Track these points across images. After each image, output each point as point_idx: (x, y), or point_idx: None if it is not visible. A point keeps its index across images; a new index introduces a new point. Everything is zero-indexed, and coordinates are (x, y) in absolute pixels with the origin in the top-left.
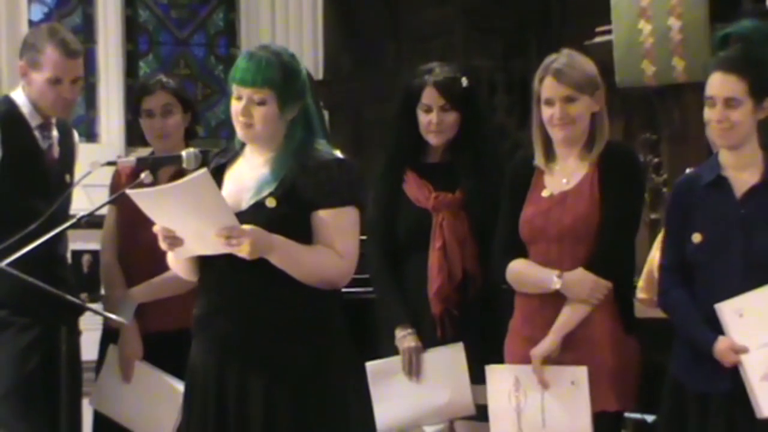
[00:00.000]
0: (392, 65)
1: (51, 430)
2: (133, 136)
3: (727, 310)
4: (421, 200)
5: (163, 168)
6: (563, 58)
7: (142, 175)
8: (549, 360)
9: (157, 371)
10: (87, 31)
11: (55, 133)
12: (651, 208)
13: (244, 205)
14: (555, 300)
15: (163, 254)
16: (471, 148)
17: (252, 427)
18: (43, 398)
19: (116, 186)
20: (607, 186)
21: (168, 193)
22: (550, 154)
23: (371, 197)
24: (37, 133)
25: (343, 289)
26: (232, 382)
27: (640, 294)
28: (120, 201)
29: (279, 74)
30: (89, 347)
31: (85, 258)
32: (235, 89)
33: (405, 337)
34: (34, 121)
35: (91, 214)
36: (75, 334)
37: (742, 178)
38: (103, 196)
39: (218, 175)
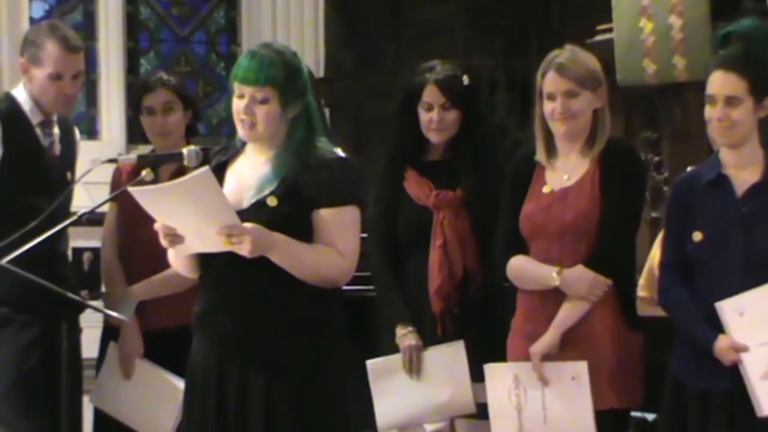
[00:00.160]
0: (393, 63)
1: (51, 428)
2: (134, 134)
3: (727, 308)
4: (421, 198)
5: (164, 165)
6: (566, 53)
7: (143, 173)
8: (549, 357)
9: (157, 369)
10: (88, 28)
11: (56, 130)
12: (652, 207)
13: (246, 203)
14: (556, 297)
15: (164, 252)
16: (472, 147)
17: (252, 424)
18: (44, 396)
19: (117, 183)
20: (608, 183)
21: (170, 190)
22: (551, 150)
23: (372, 195)
24: (38, 131)
25: (344, 287)
26: (233, 379)
27: (641, 292)
28: (121, 198)
29: (282, 73)
30: (90, 345)
31: (86, 255)
32: (238, 88)
33: (405, 335)
34: (35, 119)
35: (92, 212)
36: (76, 331)
37: (743, 177)
38: (104, 193)
39: (219, 173)
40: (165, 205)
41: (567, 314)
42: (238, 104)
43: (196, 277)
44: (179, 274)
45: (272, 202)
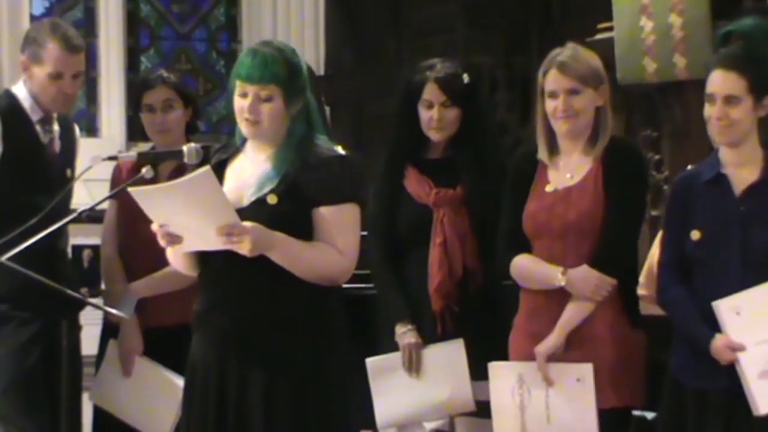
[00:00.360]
0: (393, 61)
1: (51, 425)
2: (134, 131)
3: (724, 307)
4: (421, 196)
5: (164, 163)
6: (568, 51)
7: (143, 170)
8: (553, 357)
9: (157, 366)
10: (88, 25)
11: (56, 127)
12: (652, 206)
13: (246, 201)
14: (560, 296)
15: (164, 249)
16: (472, 145)
17: (252, 422)
18: (44, 393)
19: (117, 181)
20: (611, 182)
21: (170, 190)
22: (553, 148)
23: (372, 193)
24: (38, 128)
25: (344, 285)
26: (233, 377)
27: (641, 291)
28: (121, 196)
29: (284, 70)
30: (89, 342)
31: (86, 253)
32: (240, 86)
33: (405, 333)
34: (35, 116)
35: (91, 209)
36: (75, 328)
37: (742, 176)
38: (104, 190)
39: (219, 171)
40: (164, 205)
41: (572, 314)
42: (241, 103)
43: (195, 275)
44: (179, 271)
45: (272, 199)
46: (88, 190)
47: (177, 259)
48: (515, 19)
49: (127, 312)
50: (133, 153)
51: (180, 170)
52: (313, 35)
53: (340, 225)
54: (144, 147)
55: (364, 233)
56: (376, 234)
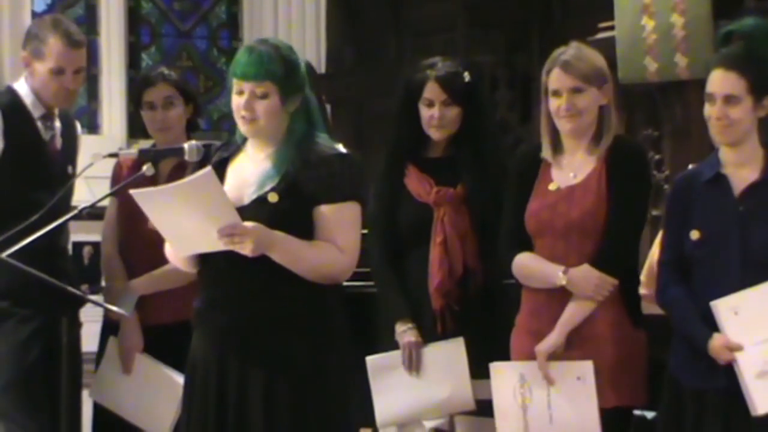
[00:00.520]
0: (394, 60)
1: (51, 422)
2: (135, 128)
3: (722, 307)
4: (422, 195)
5: (164, 160)
6: (572, 50)
7: (144, 168)
8: (554, 356)
9: (157, 364)
10: (90, 22)
11: (57, 124)
12: (652, 205)
13: (246, 200)
14: (561, 295)
15: (163, 246)
16: (472, 143)
17: (252, 420)
18: (44, 390)
19: (117, 178)
20: (615, 181)
21: (172, 192)
22: (557, 147)
23: (373, 192)
24: (39, 124)
25: (345, 283)
26: (233, 375)
27: (642, 290)
28: (121, 193)
29: (280, 67)
30: (90, 339)
31: (86, 249)
32: (236, 84)
33: (405, 332)
34: (36, 112)
35: (92, 206)
36: (76, 325)
37: (742, 176)
38: (105, 187)
39: (221, 169)
40: (166, 206)
41: (572, 314)
42: (237, 100)
43: (194, 272)
44: (179, 269)
45: (273, 198)
46: (89, 187)
47: (177, 256)
48: (516, 18)
49: (127, 309)
50: (134, 150)
51: (181, 168)
52: (314, 33)
53: (341, 223)
54: (145, 144)
55: (365, 231)
56: (377, 232)
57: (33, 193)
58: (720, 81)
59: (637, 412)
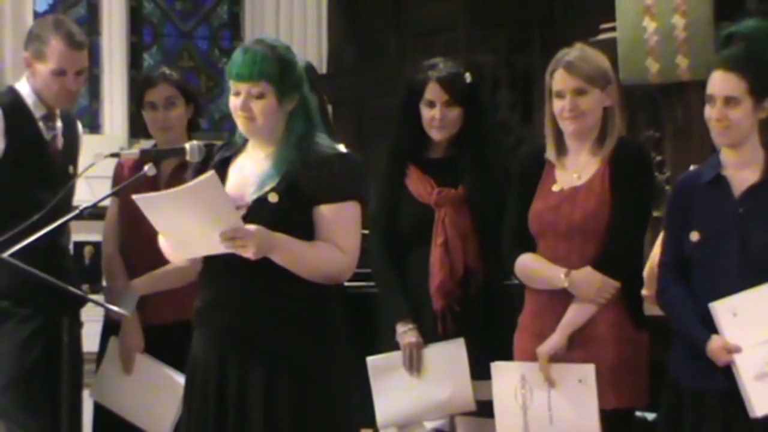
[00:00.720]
0: (395, 60)
1: (51, 422)
2: (137, 128)
3: (720, 309)
4: (423, 195)
5: (166, 160)
6: (575, 51)
7: (146, 168)
8: (556, 358)
9: (157, 363)
10: (91, 22)
11: (59, 124)
12: (654, 206)
13: (247, 199)
14: (564, 296)
15: None
16: (474, 144)
17: (252, 419)
18: (44, 390)
19: (119, 178)
20: (618, 183)
21: (174, 197)
22: (561, 148)
23: (374, 192)
24: (41, 124)
25: (345, 284)
26: (233, 375)
27: (643, 291)
28: (122, 193)
29: (275, 67)
30: (90, 339)
31: (87, 249)
32: (233, 85)
33: (406, 333)
34: (38, 112)
35: (93, 206)
36: (76, 325)
37: (742, 177)
38: (106, 187)
39: (222, 169)
40: (168, 211)
41: (574, 316)
42: (235, 101)
43: (197, 265)
44: (180, 268)
45: (273, 198)
46: (90, 186)
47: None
48: (517, 18)
49: (128, 309)
50: (135, 150)
51: (182, 168)
52: (315, 33)
53: (341, 223)
54: (146, 144)
55: (366, 232)
56: (378, 233)
57: (34, 192)
58: (720, 82)
59: (637, 413)
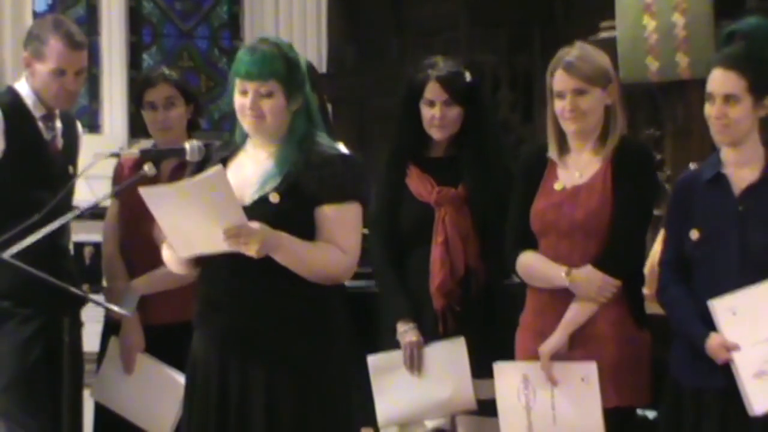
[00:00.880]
0: (396, 59)
1: (52, 422)
2: (136, 128)
3: (719, 307)
4: (423, 195)
5: (166, 160)
6: (575, 51)
7: (146, 168)
8: (557, 356)
9: (158, 363)
10: (91, 22)
11: (58, 124)
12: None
13: (248, 199)
14: (566, 294)
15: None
16: (474, 143)
17: (254, 420)
18: (45, 390)
19: (118, 178)
20: (620, 183)
21: (181, 190)
22: (564, 147)
23: (374, 192)
24: (40, 124)
25: (346, 283)
26: (234, 375)
27: (644, 289)
28: (122, 193)
29: (283, 65)
30: (91, 339)
31: (87, 249)
32: (240, 84)
33: (406, 332)
34: (37, 112)
35: (94, 206)
36: (77, 325)
37: (742, 175)
38: (106, 187)
39: None
40: (173, 205)
41: (575, 314)
42: (242, 101)
43: (191, 275)
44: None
45: (274, 198)
46: (90, 187)
47: (172, 258)
48: (518, 17)
49: (128, 309)
50: (135, 150)
51: (182, 168)
52: (315, 33)
53: (343, 224)
54: (146, 144)
55: (366, 232)
56: (378, 232)
57: (34, 193)
58: (720, 80)
59: (639, 411)
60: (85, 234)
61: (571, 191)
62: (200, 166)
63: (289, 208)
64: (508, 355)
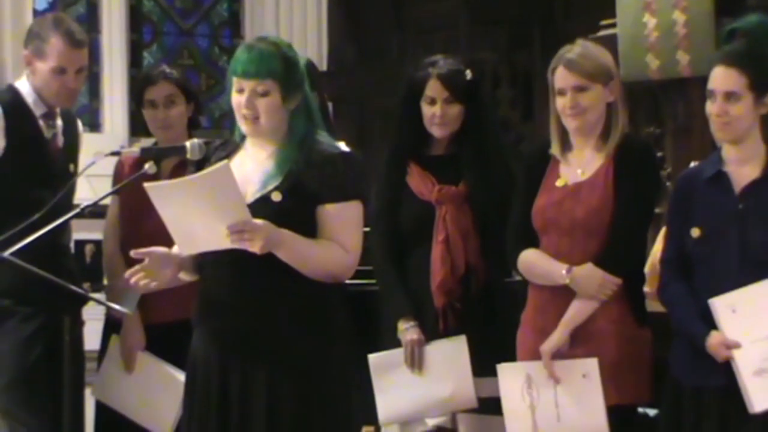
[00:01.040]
0: (396, 57)
1: (53, 420)
2: (137, 127)
3: (720, 305)
4: (424, 193)
5: (166, 159)
6: (577, 48)
7: (146, 166)
8: (558, 354)
9: (159, 362)
10: (91, 20)
11: (59, 122)
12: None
13: (249, 198)
14: (567, 292)
15: (166, 245)
16: (474, 141)
17: (255, 419)
18: (46, 388)
19: (119, 176)
20: (622, 181)
21: (186, 185)
22: (566, 144)
23: (375, 190)
24: (41, 123)
25: (347, 281)
26: (234, 374)
27: (645, 287)
28: (123, 191)
29: (280, 65)
30: (92, 337)
31: (88, 248)
32: (237, 82)
33: (407, 330)
34: (38, 110)
35: (94, 204)
36: (78, 324)
37: (743, 173)
38: (107, 186)
39: None
40: (177, 200)
41: (575, 312)
42: (238, 99)
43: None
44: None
45: (276, 197)
46: (91, 185)
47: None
48: (518, 15)
49: (129, 308)
50: (136, 148)
51: (182, 166)
52: (315, 31)
53: (344, 222)
54: (146, 142)
55: (367, 230)
56: (379, 231)
57: (35, 191)
58: (721, 78)
59: (639, 409)
60: (86, 232)
61: (572, 188)
62: (200, 165)
63: (291, 206)
64: (509, 353)
